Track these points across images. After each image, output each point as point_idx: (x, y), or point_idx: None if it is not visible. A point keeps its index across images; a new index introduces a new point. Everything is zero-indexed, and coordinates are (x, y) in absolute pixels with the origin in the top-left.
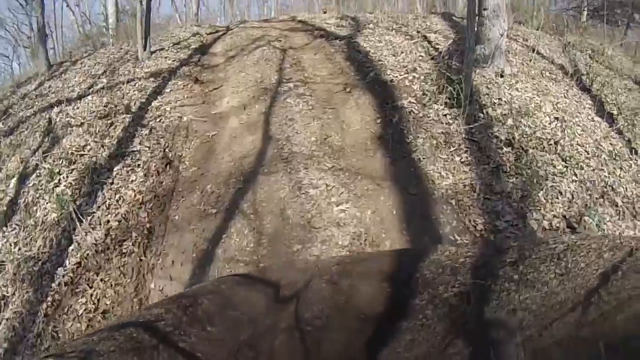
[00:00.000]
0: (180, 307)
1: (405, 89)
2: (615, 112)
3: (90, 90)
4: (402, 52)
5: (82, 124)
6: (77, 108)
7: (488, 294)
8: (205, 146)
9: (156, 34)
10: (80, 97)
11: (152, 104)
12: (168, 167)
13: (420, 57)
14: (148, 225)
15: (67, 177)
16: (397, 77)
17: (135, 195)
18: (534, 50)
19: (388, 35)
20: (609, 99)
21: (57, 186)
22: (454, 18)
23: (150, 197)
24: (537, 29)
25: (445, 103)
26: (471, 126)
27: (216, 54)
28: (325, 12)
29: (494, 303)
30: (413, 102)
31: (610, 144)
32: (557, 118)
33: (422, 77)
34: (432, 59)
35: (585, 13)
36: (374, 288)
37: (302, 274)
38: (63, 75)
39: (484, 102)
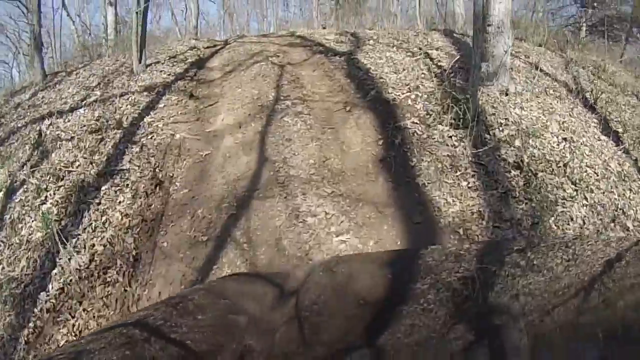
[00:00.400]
0: (170, 305)
1: (408, 108)
2: (620, 130)
3: (83, 102)
4: (403, 70)
5: (72, 138)
6: (68, 121)
7: (492, 278)
8: (198, 166)
9: (154, 46)
10: (72, 110)
11: (145, 119)
12: (158, 188)
13: (422, 75)
14: (134, 253)
15: (54, 194)
16: (399, 95)
17: (122, 219)
18: (537, 68)
19: (389, 52)
20: (614, 117)
21: (44, 203)
22: (455, 35)
23: (137, 221)
24: (540, 46)
25: (451, 124)
26: (478, 150)
27: (213, 68)
28: (324, 28)
29: (498, 287)
30: (416, 123)
31: (619, 164)
32: (565, 139)
33: (426, 96)
34: (435, 76)
35: (584, 29)
36: (374, 277)
37: (301, 270)
38: (57, 85)
39: (490, 123)
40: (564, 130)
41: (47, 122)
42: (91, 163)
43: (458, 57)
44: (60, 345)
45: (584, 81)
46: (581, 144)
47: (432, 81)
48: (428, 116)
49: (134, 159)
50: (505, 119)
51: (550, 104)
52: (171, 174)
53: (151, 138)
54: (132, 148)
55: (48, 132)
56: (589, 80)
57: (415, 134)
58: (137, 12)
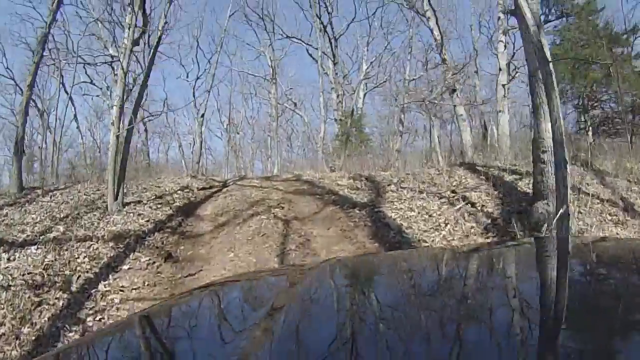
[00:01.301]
0: (172, 305)
1: None
2: None
3: (41, 238)
4: (446, 224)
5: (8, 287)
6: (13, 260)
7: (491, 278)
8: None
9: (143, 180)
10: (24, 244)
11: (99, 286)
12: None
13: (472, 229)
14: None
15: None
16: None
17: None
18: (588, 194)
19: (419, 200)
20: None
21: None
22: (477, 168)
23: None
24: (574, 163)
25: None
26: None
27: (203, 218)
28: (333, 171)
29: (497, 287)
30: None
31: None
32: None
33: None
34: (486, 230)
35: (590, 133)
36: (373, 278)
37: (302, 270)
38: (27, 205)
39: None
40: None
41: None
42: (16, 338)
43: (499, 198)
44: None
45: (627, 193)
46: None
47: (488, 237)
48: None
49: None
50: None
51: (617, 234)
52: None
53: (99, 319)
54: (71, 329)
55: None
56: (630, 189)
57: None
58: (117, 136)
